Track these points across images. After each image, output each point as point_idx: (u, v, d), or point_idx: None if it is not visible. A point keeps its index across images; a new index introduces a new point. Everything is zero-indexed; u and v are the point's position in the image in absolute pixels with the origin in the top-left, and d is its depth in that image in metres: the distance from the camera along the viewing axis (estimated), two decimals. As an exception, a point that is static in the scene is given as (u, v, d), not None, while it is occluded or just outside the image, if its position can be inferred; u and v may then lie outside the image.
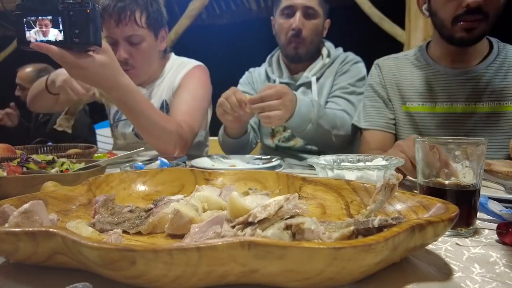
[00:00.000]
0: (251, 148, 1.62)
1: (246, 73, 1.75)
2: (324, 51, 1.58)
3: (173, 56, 1.64)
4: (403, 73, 1.28)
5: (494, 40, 1.19)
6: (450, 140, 0.54)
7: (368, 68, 1.48)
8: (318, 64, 1.56)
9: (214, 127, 1.82)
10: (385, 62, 1.33)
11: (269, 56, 1.70)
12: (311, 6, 1.47)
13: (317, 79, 1.55)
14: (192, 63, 1.59)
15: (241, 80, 1.73)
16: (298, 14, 1.46)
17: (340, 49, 1.62)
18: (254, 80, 1.69)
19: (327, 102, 1.51)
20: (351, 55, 1.59)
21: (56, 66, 0.97)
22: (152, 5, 1.42)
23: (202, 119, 1.49)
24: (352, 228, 0.42)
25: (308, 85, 1.55)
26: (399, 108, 1.27)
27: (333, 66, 1.55)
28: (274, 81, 1.59)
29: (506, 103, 1.13)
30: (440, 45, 1.20)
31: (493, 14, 1.04)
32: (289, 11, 1.48)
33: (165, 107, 1.54)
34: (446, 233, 0.50)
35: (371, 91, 1.33)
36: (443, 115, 1.19)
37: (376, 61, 1.37)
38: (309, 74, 1.55)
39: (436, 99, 1.20)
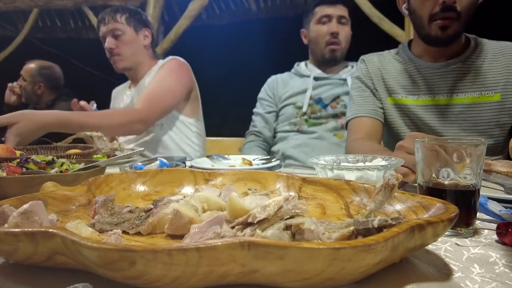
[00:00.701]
0: None
1: (269, 80, 1.94)
2: (353, 64, 1.84)
3: (160, 61, 1.84)
4: (387, 68, 1.32)
5: (471, 37, 1.24)
6: (450, 141, 0.54)
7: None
8: (352, 70, 1.80)
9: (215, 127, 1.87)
10: (370, 57, 1.39)
11: (296, 65, 1.91)
12: (344, 15, 1.76)
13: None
14: (168, 57, 1.81)
15: (262, 88, 1.93)
16: (334, 21, 1.75)
17: None
18: (275, 83, 1.88)
19: None
20: None
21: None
22: (130, 9, 1.80)
23: (167, 103, 1.69)
24: (351, 228, 0.42)
25: (344, 81, 1.77)
26: (385, 100, 1.30)
27: None
28: (309, 76, 1.81)
29: (486, 93, 1.17)
30: (419, 45, 1.25)
31: (466, 14, 1.10)
32: (326, 19, 1.75)
33: None
34: (445, 233, 0.50)
35: (358, 82, 1.37)
36: (427, 107, 1.23)
37: (361, 57, 1.43)
38: (344, 74, 1.79)
39: (419, 92, 1.24)
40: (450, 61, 1.20)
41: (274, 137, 1.86)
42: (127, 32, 1.75)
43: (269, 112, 1.87)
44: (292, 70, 1.91)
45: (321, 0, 1.79)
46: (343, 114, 1.73)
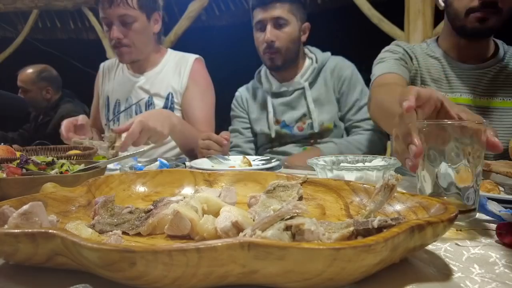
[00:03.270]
0: None
1: (236, 94, 1.82)
2: (312, 56, 1.66)
3: (169, 50, 1.75)
4: (419, 59, 1.27)
5: (499, 42, 1.23)
6: (450, 122, 0.53)
7: (366, 70, 1.50)
8: (308, 70, 1.63)
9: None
10: (404, 44, 1.33)
11: (256, 72, 1.77)
12: (280, 16, 1.53)
13: (310, 84, 1.62)
14: (192, 56, 1.69)
15: (232, 105, 1.82)
16: (268, 27, 1.54)
17: (328, 53, 1.68)
18: (243, 100, 1.78)
19: (353, 127, 1.60)
20: (340, 62, 1.64)
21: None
22: None
23: (214, 117, 1.67)
24: (351, 228, 0.42)
25: (302, 90, 1.63)
26: None
27: (324, 73, 1.63)
28: (266, 93, 1.67)
29: (510, 99, 1.17)
30: (450, 39, 1.22)
31: (507, 10, 1.06)
32: (261, 25, 1.56)
33: (171, 99, 1.64)
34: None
35: (389, 53, 1.28)
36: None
37: (394, 42, 1.35)
38: (301, 80, 1.63)
39: (446, 89, 1.23)
40: (479, 64, 1.18)
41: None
42: (139, 19, 1.51)
43: (247, 128, 1.76)
44: (256, 76, 1.76)
45: (255, 3, 1.57)
46: (312, 135, 1.61)
